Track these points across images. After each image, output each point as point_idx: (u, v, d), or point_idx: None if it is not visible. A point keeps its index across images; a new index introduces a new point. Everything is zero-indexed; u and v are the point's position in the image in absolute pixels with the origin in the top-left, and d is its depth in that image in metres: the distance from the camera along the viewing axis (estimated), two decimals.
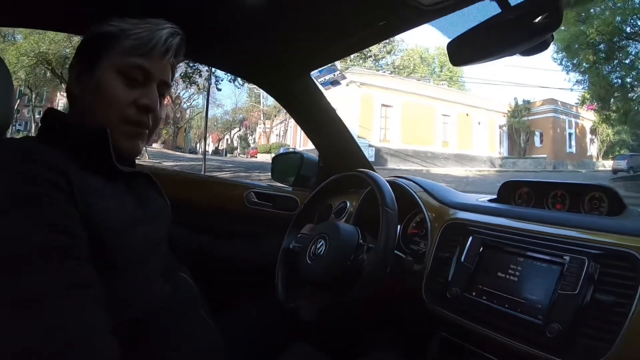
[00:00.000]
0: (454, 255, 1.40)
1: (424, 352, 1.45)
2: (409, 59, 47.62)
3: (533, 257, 1.19)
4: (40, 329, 0.73)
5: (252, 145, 60.39)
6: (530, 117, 38.46)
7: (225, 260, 1.74)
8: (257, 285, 1.73)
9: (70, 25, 1.62)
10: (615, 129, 34.74)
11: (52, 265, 0.80)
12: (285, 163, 2.70)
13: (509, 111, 39.86)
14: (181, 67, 29.76)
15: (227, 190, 2.46)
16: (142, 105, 1.13)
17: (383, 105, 32.48)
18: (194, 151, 59.41)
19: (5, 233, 0.78)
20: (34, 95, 34.68)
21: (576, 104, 36.69)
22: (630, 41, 24.01)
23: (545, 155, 35.82)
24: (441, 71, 49.00)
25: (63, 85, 29.04)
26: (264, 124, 56.51)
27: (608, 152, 37.80)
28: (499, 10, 1.16)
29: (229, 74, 28.28)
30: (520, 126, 38.59)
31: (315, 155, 2.56)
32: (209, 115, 46.52)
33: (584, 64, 26.49)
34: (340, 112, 2.36)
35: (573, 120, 38.47)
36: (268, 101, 54.58)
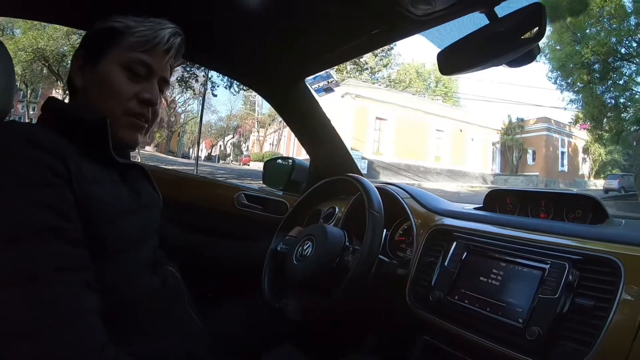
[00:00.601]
0: (438, 260, 1.42)
1: (407, 355, 1.46)
2: (405, 73, 47.70)
3: (515, 262, 1.21)
4: (28, 304, 0.76)
5: (245, 153, 60.22)
6: (523, 135, 38.50)
7: (214, 259, 1.75)
8: (244, 285, 1.74)
9: (75, 19, 1.64)
10: (608, 148, 34.83)
11: (45, 246, 0.82)
12: (277, 168, 2.71)
13: (502, 128, 39.92)
14: (178, 71, 29.73)
15: (217, 190, 2.47)
16: (144, 99, 1.17)
17: (377, 118, 32.44)
18: (186, 156, 59.28)
19: (2, 212, 0.81)
20: (29, 91, 34.46)
21: (569, 123, 36.77)
22: (625, 62, 24.19)
23: (537, 173, 35.83)
24: (436, 86, 49.07)
25: (59, 83, 28.95)
26: (258, 132, 56.41)
27: (600, 171, 37.88)
28: (487, 22, 1.19)
29: (225, 80, 28.31)
30: (513, 143, 38.64)
31: (307, 162, 2.58)
32: (204, 121, 46.44)
33: (578, 84, 26.61)
34: (335, 123, 2.38)
35: (566, 139, 38.55)
36: (263, 109, 54.55)
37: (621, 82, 24.81)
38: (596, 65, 25.11)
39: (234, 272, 1.82)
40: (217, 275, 1.80)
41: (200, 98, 33.50)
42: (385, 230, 1.43)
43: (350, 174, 1.64)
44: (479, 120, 38.91)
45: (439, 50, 1.36)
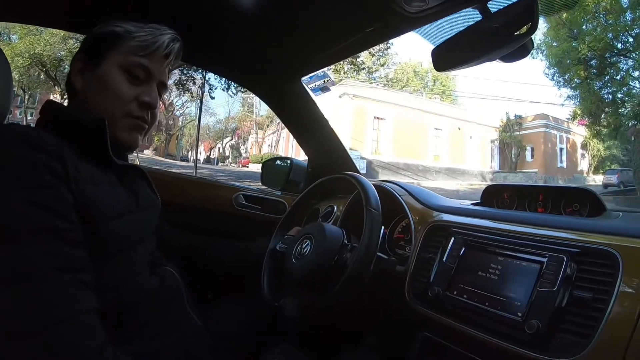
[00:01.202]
0: (436, 256, 1.42)
1: (407, 351, 1.46)
2: (403, 72, 47.65)
3: (513, 256, 1.21)
4: (27, 304, 0.76)
5: (244, 155, 60.12)
6: (521, 132, 38.55)
7: (213, 260, 1.75)
8: (243, 284, 1.75)
9: (75, 24, 1.65)
10: (606, 144, 34.90)
11: (44, 246, 0.83)
12: (275, 169, 2.72)
13: (500, 126, 39.95)
14: (175, 74, 29.71)
15: (216, 191, 2.47)
16: (144, 102, 1.19)
17: (376, 117, 32.44)
18: (185, 159, 59.19)
19: (0, 212, 0.81)
20: (26, 97, 34.42)
21: (567, 119, 36.73)
22: (622, 57, 24.19)
23: (536, 170, 35.83)
24: (434, 85, 49.00)
25: (57, 88, 28.89)
26: (257, 134, 56.40)
27: (599, 167, 37.95)
28: (480, 18, 1.20)
29: (222, 83, 28.30)
30: (511, 141, 38.67)
31: (305, 162, 2.58)
32: (202, 124, 46.44)
33: (576, 80, 26.61)
34: (333, 124, 2.38)
35: (564, 135, 38.59)
36: (261, 111, 54.53)
37: (618, 77, 24.81)
38: (593, 61, 25.13)
39: (233, 272, 1.82)
40: (216, 275, 1.81)
41: (198, 101, 33.47)
42: (383, 228, 1.43)
43: (348, 172, 1.64)
44: (477, 118, 38.94)
45: (433, 47, 1.37)
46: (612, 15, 22.87)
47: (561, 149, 38.42)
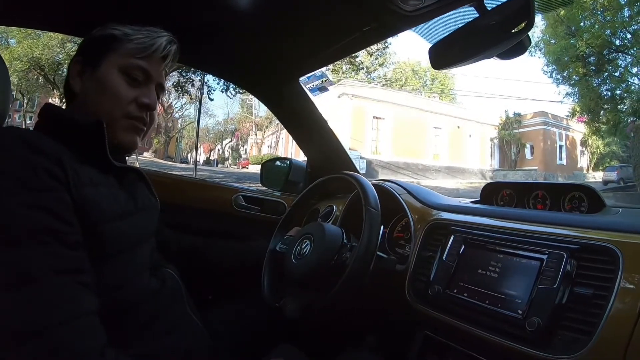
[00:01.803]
0: (436, 254, 1.42)
1: (407, 350, 1.46)
2: (401, 72, 47.69)
3: (513, 253, 1.21)
4: (24, 307, 0.76)
5: (243, 156, 60.16)
6: (521, 130, 38.55)
7: (213, 261, 1.74)
8: (244, 285, 1.74)
9: (73, 27, 1.66)
10: (606, 140, 34.92)
11: (43, 249, 0.83)
12: (274, 169, 2.72)
13: (500, 124, 39.98)
14: (174, 76, 29.72)
15: (215, 192, 2.48)
16: (143, 103, 1.20)
17: (375, 117, 32.46)
18: (185, 161, 59.28)
19: (0, 215, 0.81)
20: (25, 101, 34.49)
21: (566, 116, 36.82)
22: (620, 54, 24.17)
23: (536, 167, 35.84)
24: (433, 84, 49.03)
25: (55, 91, 28.95)
26: (256, 135, 56.44)
27: (598, 163, 37.98)
28: (477, 15, 1.20)
29: (221, 84, 28.29)
30: (511, 138, 38.69)
31: (304, 162, 2.58)
32: (201, 125, 46.49)
33: (574, 77, 26.60)
34: (332, 124, 2.38)
35: (564, 132, 38.58)
36: (260, 112, 54.62)
37: (617, 73, 24.80)
38: (591, 58, 25.11)
39: (233, 272, 1.82)
40: (216, 276, 1.81)
41: (197, 102, 33.48)
42: (383, 227, 1.43)
43: (346, 172, 1.64)
44: (477, 116, 38.95)
45: (430, 45, 1.37)
46: (609, 12, 22.84)
47: (561, 146, 38.42)
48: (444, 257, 1.38)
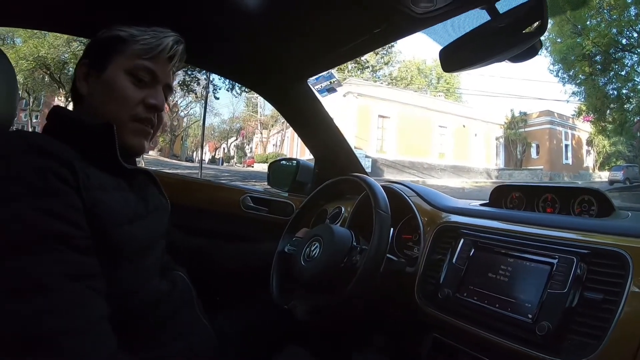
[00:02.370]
0: (445, 257, 1.42)
1: (416, 353, 1.46)
2: (407, 71, 47.53)
3: (523, 257, 1.21)
4: (36, 314, 0.76)
5: (248, 155, 60.10)
6: (526, 129, 38.42)
7: (221, 262, 1.74)
8: (252, 287, 1.75)
9: (78, 28, 1.66)
10: (612, 140, 34.71)
11: (55, 254, 0.82)
12: (282, 170, 2.72)
13: (505, 123, 39.84)
14: (179, 75, 29.72)
15: (223, 193, 2.48)
16: (150, 105, 1.19)
17: (380, 116, 32.39)
18: (190, 159, 59.36)
19: (11, 221, 0.81)
20: (31, 99, 34.62)
21: (572, 115, 36.60)
22: (626, 53, 24.12)
23: (541, 167, 35.71)
24: (438, 83, 48.84)
25: (61, 90, 29.00)
26: (261, 133, 56.40)
27: (604, 163, 37.78)
28: (488, 18, 1.20)
29: (227, 83, 28.32)
30: (516, 138, 38.55)
31: (311, 162, 2.58)
32: (206, 124, 46.49)
33: (580, 76, 26.54)
34: (338, 123, 2.38)
35: (569, 131, 38.41)
36: (265, 111, 54.60)
37: (623, 73, 24.74)
38: (597, 57, 25.06)
39: (241, 274, 1.82)
40: (225, 278, 1.81)
41: (203, 101, 33.51)
42: (392, 228, 1.43)
43: (356, 174, 1.64)
44: (482, 115, 38.81)
45: (440, 47, 1.36)
46: (616, 10, 22.78)
47: (566, 146, 38.26)
48: (453, 260, 1.38)
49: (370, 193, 1.45)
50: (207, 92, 30.64)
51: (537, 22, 1.07)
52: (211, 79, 30.03)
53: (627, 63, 24.57)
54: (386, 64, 42.14)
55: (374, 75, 41.39)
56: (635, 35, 23.32)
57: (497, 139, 39.86)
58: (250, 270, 1.79)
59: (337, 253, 1.39)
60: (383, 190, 1.47)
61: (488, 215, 1.52)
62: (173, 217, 1.46)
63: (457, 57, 1.33)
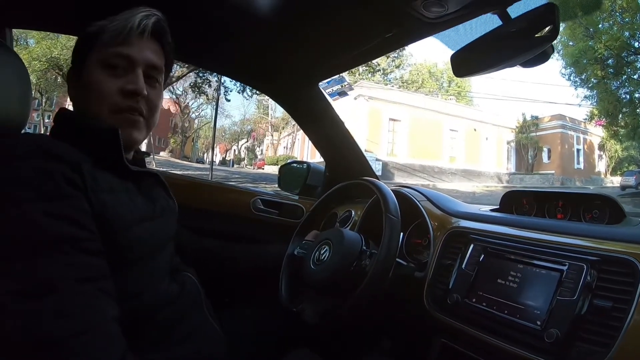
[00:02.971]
0: (455, 262, 1.42)
1: (424, 358, 1.46)
2: (418, 74, 47.50)
3: (532, 264, 1.20)
4: (47, 316, 0.76)
5: (259, 157, 60.33)
6: (538, 133, 38.19)
7: (230, 264, 1.75)
8: (261, 290, 1.75)
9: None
10: (624, 144, 34.48)
11: (64, 257, 0.83)
12: (292, 173, 2.73)
13: (516, 127, 39.65)
14: (190, 77, 29.85)
15: (233, 196, 2.48)
16: (128, 91, 1.14)
17: (391, 119, 32.39)
18: (201, 161, 59.44)
19: (20, 224, 0.81)
20: (44, 100, 34.91)
21: (584, 119, 36.43)
22: (639, 56, 23.94)
23: (553, 172, 35.51)
24: (449, 86, 48.76)
25: None
26: (272, 135, 56.52)
27: (616, 168, 37.51)
28: (500, 23, 1.19)
29: (238, 85, 28.42)
30: (528, 142, 38.36)
31: (322, 165, 2.59)
32: (217, 126, 46.56)
33: (592, 80, 26.41)
34: (349, 126, 2.38)
35: (581, 136, 38.17)
36: (276, 113, 54.71)
37: (636, 76, 24.59)
38: (610, 60, 24.93)
39: (251, 276, 1.83)
40: (234, 280, 1.82)
41: (214, 103, 33.58)
42: (401, 233, 1.43)
43: (366, 178, 1.64)
44: (493, 119, 38.69)
45: (452, 52, 1.36)
46: (628, 13, 22.66)
47: (578, 150, 38.01)
48: (463, 266, 1.38)
49: (381, 197, 1.45)
50: (219, 94, 30.73)
51: (549, 27, 1.07)
52: (222, 81, 30.13)
53: None
54: (397, 67, 42.14)
55: (385, 78, 41.45)
56: None
57: (508, 143, 39.69)
58: (260, 272, 1.80)
59: (346, 257, 1.39)
60: (393, 195, 1.47)
61: (498, 221, 1.51)
62: (183, 218, 1.47)
63: (468, 62, 1.33)
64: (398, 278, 1.43)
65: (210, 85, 31.80)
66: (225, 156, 72.50)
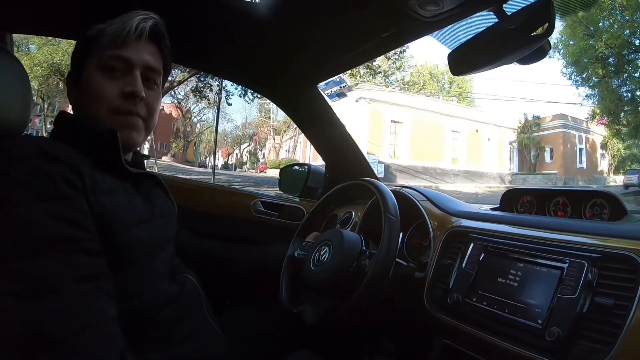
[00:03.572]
0: (455, 262, 1.41)
1: (426, 358, 1.45)
2: (419, 75, 47.62)
3: (533, 262, 1.20)
4: (47, 315, 0.77)
5: (261, 161, 60.48)
6: (540, 133, 38.17)
7: (231, 266, 1.76)
8: (262, 291, 1.75)
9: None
10: (626, 143, 34.45)
11: (63, 257, 0.83)
12: (293, 175, 2.73)
13: (518, 127, 39.63)
14: (192, 81, 29.93)
15: (234, 198, 2.48)
16: (127, 93, 1.15)
17: (392, 121, 32.39)
18: (203, 165, 59.70)
19: (19, 224, 0.82)
20: (46, 105, 35.06)
21: (586, 118, 36.39)
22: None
23: (555, 171, 35.45)
24: (451, 87, 48.87)
25: None
26: (274, 139, 56.58)
27: (619, 167, 37.45)
28: (496, 20, 1.19)
29: (239, 89, 28.48)
30: (530, 142, 38.34)
31: (323, 167, 2.59)
32: (219, 130, 46.69)
33: (594, 78, 26.41)
34: (350, 128, 2.38)
35: (583, 135, 38.14)
36: (278, 116, 54.71)
37: (637, 74, 24.59)
38: (611, 59, 24.92)
39: (251, 278, 1.83)
40: (235, 282, 1.82)
41: (215, 107, 33.68)
42: (401, 233, 1.42)
43: (365, 178, 1.64)
44: (495, 119, 38.68)
45: (449, 51, 1.36)
46: (628, 11, 22.66)
47: (580, 150, 37.98)
48: (463, 265, 1.37)
49: (380, 197, 1.45)
50: (220, 98, 30.79)
51: (545, 23, 1.07)
52: (223, 85, 30.18)
53: None
54: (398, 69, 42.08)
55: (386, 80, 41.41)
56: None
57: (510, 143, 39.68)
58: (260, 274, 1.80)
59: (346, 257, 1.39)
60: (392, 195, 1.47)
61: (498, 220, 1.51)
62: (184, 221, 1.47)
63: (465, 60, 1.32)
64: (398, 278, 1.43)
65: (211, 89, 31.83)
66: (228, 160, 72.71)
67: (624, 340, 0.92)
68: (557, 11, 1.09)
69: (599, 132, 37.19)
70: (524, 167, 39.07)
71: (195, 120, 58.05)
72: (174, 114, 52.55)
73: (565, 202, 1.58)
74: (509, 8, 1.16)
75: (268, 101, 31.44)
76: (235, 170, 58.47)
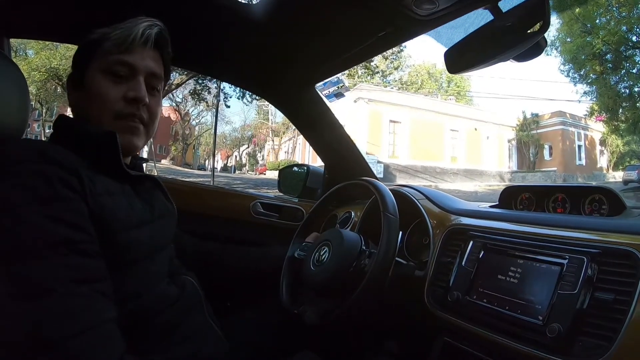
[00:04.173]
0: (455, 260, 1.41)
1: (427, 357, 1.45)
2: (417, 75, 47.61)
3: (533, 258, 1.20)
4: (46, 317, 0.77)
5: (260, 162, 60.36)
6: (539, 130, 38.13)
7: (230, 267, 1.76)
8: (262, 292, 1.75)
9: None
10: (625, 139, 34.42)
11: (62, 259, 0.83)
12: (292, 176, 2.73)
13: (517, 125, 39.59)
14: (190, 84, 29.91)
15: (234, 200, 2.49)
16: (130, 98, 1.16)
17: (391, 121, 32.38)
18: (202, 167, 59.56)
19: (17, 226, 0.82)
20: (44, 110, 34.94)
21: (585, 115, 36.33)
22: (637, 50, 23.94)
23: (555, 169, 35.43)
24: (449, 86, 48.86)
25: None
26: (273, 141, 56.52)
27: (618, 163, 37.37)
28: (492, 18, 1.19)
29: (237, 91, 28.46)
30: (529, 140, 38.31)
31: (322, 168, 2.59)
32: (218, 132, 46.65)
33: (591, 75, 26.42)
34: (349, 129, 2.39)
35: (582, 132, 38.07)
36: (277, 118, 54.68)
37: (634, 70, 24.60)
38: (608, 55, 24.92)
39: (252, 279, 1.83)
40: (234, 283, 1.82)
41: (214, 110, 33.66)
42: (401, 232, 1.42)
43: (364, 178, 1.64)
44: (494, 118, 38.65)
45: (445, 49, 1.36)
46: (625, 7, 22.69)
47: (579, 146, 37.92)
48: (463, 263, 1.37)
49: (379, 196, 1.45)
50: (218, 101, 30.75)
51: (540, 20, 1.07)
52: (222, 87, 30.19)
53: (638, 60, 24.40)
54: (396, 68, 42.16)
55: (384, 80, 41.46)
56: None
57: (509, 141, 39.64)
58: (260, 275, 1.80)
59: (346, 257, 1.39)
60: (391, 194, 1.47)
61: (497, 217, 1.51)
62: (184, 223, 1.48)
63: (461, 58, 1.33)
64: (398, 277, 1.43)
65: (209, 92, 31.88)
66: (227, 162, 72.58)
67: (625, 335, 0.91)
68: (553, 8, 1.09)
69: (597, 128, 37.12)
70: (523, 165, 39.05)
71: (194, 123, 58.06)
72: (173, 116, 52.46)
73: (564, 199, 1.58)
74: (505, 5, 1.16)
75: (266, 103, 31.29)
76: (234, 172, 58.34)
